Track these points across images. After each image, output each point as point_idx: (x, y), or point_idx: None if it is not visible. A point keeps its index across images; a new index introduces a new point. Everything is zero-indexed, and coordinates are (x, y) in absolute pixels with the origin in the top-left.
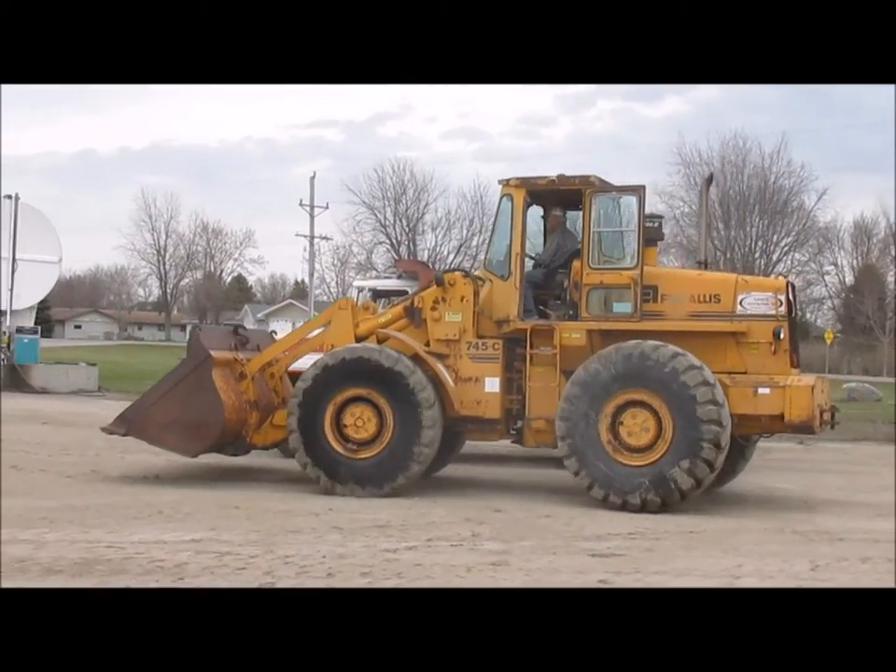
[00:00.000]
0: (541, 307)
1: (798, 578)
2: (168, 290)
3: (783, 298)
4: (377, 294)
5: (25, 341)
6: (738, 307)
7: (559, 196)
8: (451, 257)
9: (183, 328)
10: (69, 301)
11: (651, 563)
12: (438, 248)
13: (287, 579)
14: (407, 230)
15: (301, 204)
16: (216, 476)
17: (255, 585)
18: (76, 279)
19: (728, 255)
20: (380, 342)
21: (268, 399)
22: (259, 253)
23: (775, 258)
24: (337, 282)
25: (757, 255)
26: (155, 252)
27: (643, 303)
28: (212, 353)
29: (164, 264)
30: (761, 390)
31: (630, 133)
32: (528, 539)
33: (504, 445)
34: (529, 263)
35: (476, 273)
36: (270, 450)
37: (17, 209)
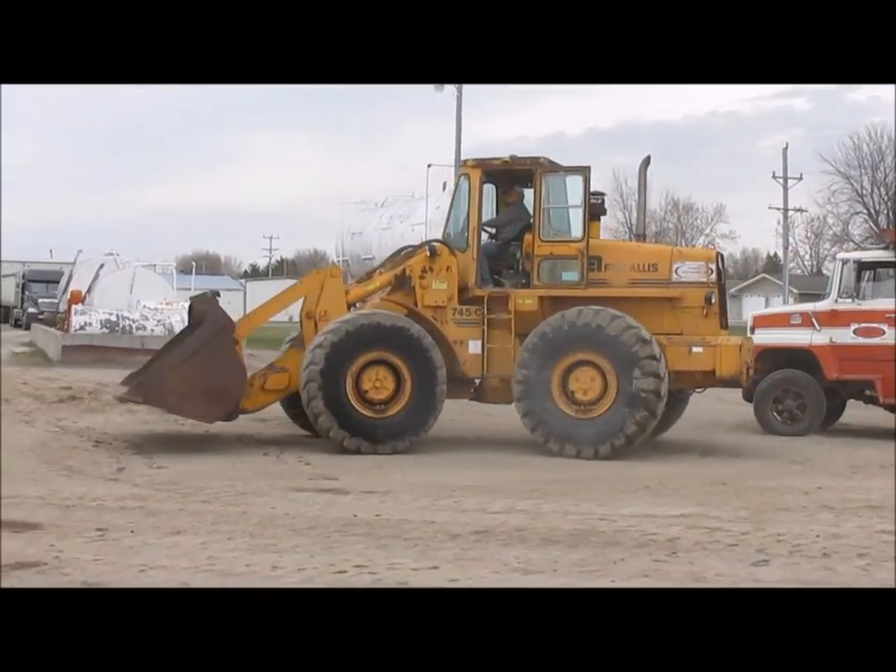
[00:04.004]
0: (496, 276)
1: None
2: None
3: (713, 267)
4: (862, 266)
5: None
6: (674, 275)
7: (512, 175)
8: None
9: None
10: None
11: None
12: None
13: (780, 557)
14: (886, 199)
15: (773, 177)
16: (704, 451)
17: (748, 562)
18: None
19: None
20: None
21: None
22: (730, 228)
23: None
24: (811, 255)
25: None
26: (627, 230)
27: (588, 272)
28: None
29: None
30: (694, 349)
31: None
32: None
33: None
34: (484, 237)
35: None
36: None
37: None
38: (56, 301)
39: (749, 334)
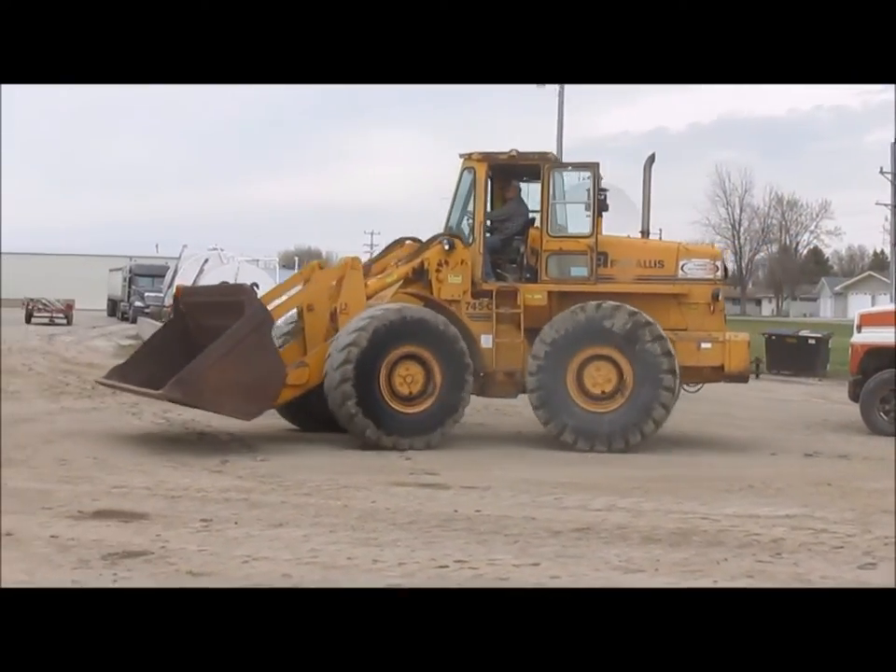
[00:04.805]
0: (498, 271)
1: None
2: (742, 264)
3: (720, 264)
4: None
5: None
6: (680, 272)
7: (516, 170)
8: None
9: (758, 302)
10: None
11: None
12: None
13: (887, 561)
14: None
15: (881, 172)
16: (809, 451)
17: (854, 565)
18: None
19: None
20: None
21: None
22: (835, 224)
23: None
24: None
25: None
26: (730, 227)
27: (596, 268)
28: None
29: (739, 238)
30: (703, 345)
31: None
32: None
33: None
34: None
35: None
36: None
37: None
38: (162, 294)
39: (855, 332)
